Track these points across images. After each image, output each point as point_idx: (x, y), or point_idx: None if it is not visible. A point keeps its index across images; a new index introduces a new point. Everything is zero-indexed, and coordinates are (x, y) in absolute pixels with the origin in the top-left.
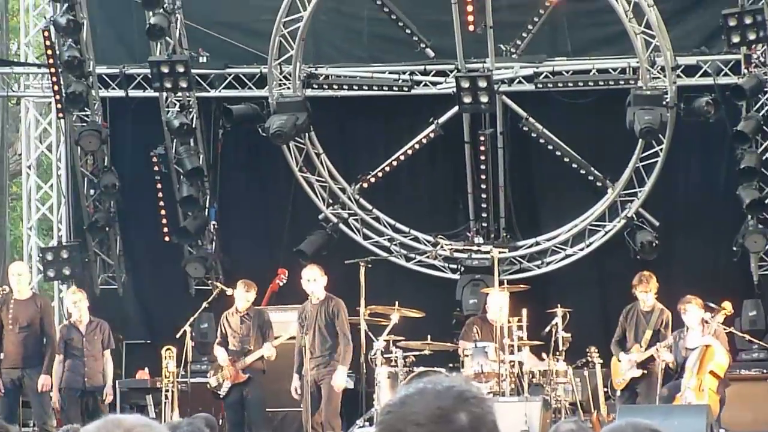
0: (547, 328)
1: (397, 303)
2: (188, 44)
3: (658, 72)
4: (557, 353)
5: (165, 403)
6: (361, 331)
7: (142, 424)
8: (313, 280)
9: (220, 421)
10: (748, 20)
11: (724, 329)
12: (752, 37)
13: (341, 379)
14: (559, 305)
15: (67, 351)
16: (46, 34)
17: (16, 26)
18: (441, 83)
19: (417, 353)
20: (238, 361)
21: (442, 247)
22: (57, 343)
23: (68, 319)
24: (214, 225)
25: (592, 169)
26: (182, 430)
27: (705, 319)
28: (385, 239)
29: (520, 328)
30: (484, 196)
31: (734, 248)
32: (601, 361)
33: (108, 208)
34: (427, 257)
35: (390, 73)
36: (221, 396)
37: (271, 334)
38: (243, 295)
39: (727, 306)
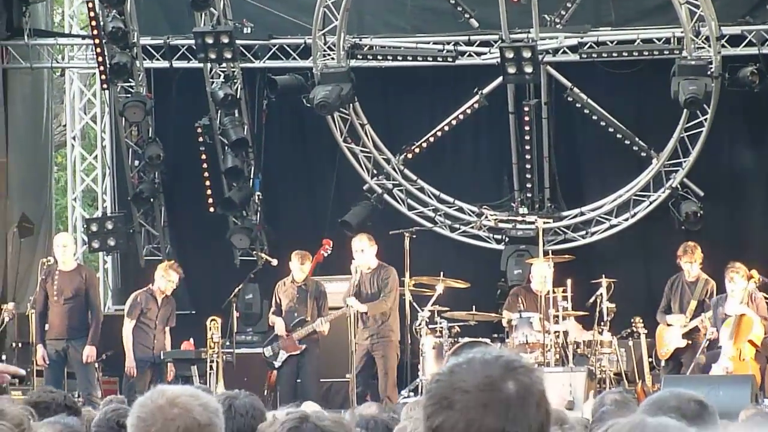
0: (592, 299)
1: (441, 273)
2: (232, 15)
3: (702, 42)
4: (602, 324)
5: (210, 373)
6: (406, 301)
7: (188, 394)
8: (361, 250)
9: (265, 392)
10: None
11: (766, 298)
12: None
13: (355, 304)
14: (603, 276)
15: (140, 320)
16: (90, 5)
17: None
18: (485, 54)
19: (462, 324)
20: (295, 332)
21: (486, 217)
22: (128, 307)
23: (150, 287)
24: (258, 196)
25: (637, 139)
26: (240, 400)
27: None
28: (429, 210)
29: (564, 298)
30: (528, 166)
31: None
32: (646, 332)
33: (152, 179)
34: (472, 228)
35: (434, 43)
36: (276, 366)
37: (325, 305)
38: (298, 267)
39: (755, 274)
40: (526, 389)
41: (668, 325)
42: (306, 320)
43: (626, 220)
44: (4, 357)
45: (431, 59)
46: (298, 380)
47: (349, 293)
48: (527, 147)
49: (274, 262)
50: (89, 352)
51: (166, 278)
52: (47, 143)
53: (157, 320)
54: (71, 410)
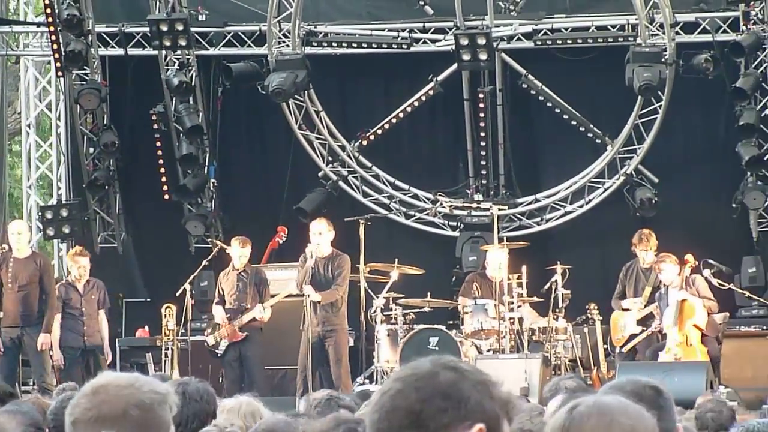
0: (547, 285)
1: (396, 260)
2: (187, 2)
3: (656, 29)
4: (557, 310)
5: (165, 361)
6: (360, 288)
7: (133, 377)
8: (319, 233)
9: (220, 379)
10: None
11: (722, 285)
12: None
13: (311, 294)
14: (558, 262)
15: (65, 311)
16: None
17: None
18: (440, 41)
19: (417, 310)
20: (235, 320)
21: (441, 204)
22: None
23: (66, 279)
24: (213, 183)
25: (592, 126)
26: (192, 386)
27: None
28: (384, 197)
29: (519, 285)
30: (483, 153)
31: (733, 205)
32: (601, 318)
33: (107, 167)
34: (427, 214)
35: (389, 30)
36: (219, 354)
37: (267, 292)
38: (238, 251)
39: (690, 258)
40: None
41: (623, 309)
42: (247, 308)
43: (581, 206)
44: None
45: (386, 46)
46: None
47: (305, 281)
48: (482, 134)
49: (229, 248)
50: (43, 340)
51: (75, 265)
52: (2, 131)
53: (83, 307)
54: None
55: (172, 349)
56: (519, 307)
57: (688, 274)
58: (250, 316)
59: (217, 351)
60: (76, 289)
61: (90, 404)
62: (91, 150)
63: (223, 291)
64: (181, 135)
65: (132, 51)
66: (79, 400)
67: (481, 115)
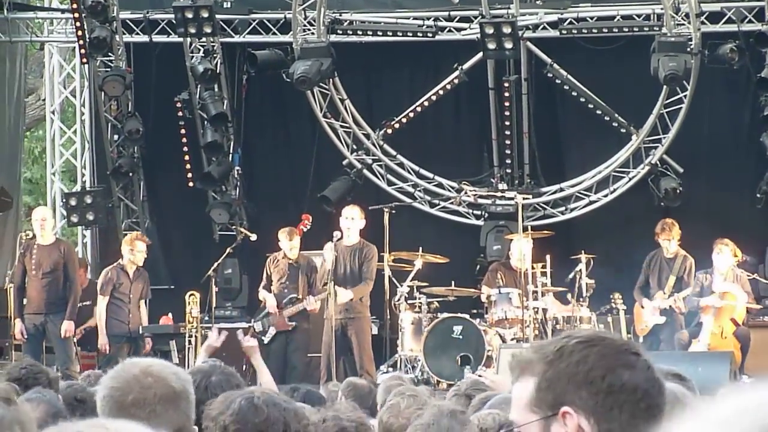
0: (571, 275)
1: (420, 249)
2: None
3: (682, 18)
4: (581, 299)
5: (188, 348)
6: (385, 276)
7: (159, 363)
8: (351, 218)
9: (243, 366)
10: None
11: (748, 275)
12: None
13: (346, 296)
14: (582, 251)
15: (114, 296)
16: None
17: None
18: (465, 29)
19: (441, 299)
20: (286, 309)
21: (466, 193)
22: (100, 284)
23: (119, 262)
24: (238, 170)
25: (616, 115)
26: (216, 377)
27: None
28: (409, 185)
29: (543, 274)
30: (508, 142)
31: (758, 195)
32: (625, 308)
33: (132, 154)
34: (451, 203)
35: (414, 18)
36: (265, 342)
37: (317, 281)
38: (287, 243)
39: (738, 253)
40: None
41: (642, 307)
42: (297, 298)
43: (605, 196)
44: None
45: (411, 35)
46: (287, 356)
47: (329, 276)
48: (507, 123)
49: (253, 236)
50: (67, 327)
51: (134, 250)
52: (18, 116)
53: (131, 294)
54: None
55: (195, 337)
56: (543, 296)
57: (734, 267)
58: (300, 307)
59: (263, 338)
60: (127, 275)
61: (145, 383)
62: (116, 137)
63: (270, 276)
64: (205, 122)
65: (157, 38)
66: (129, 381)
67: (506, 104)
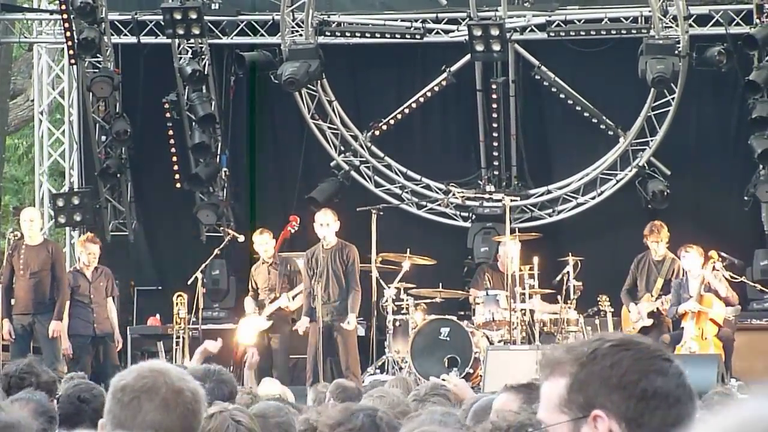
0: (559, 277)
1: (408, 250)
2: None
3: (670, 21)
4: (568, 302)
5: (176, 349)
6: (372, 278)
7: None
8: (326, 224)
9: (231, 368)
10: None
11: (734, 278)
12: None
13: (352, 323)
14: (570, 254)
15: (74, 298)
16: None
17: None
18: (453, 31)
19: (428, 301)
20: (263, 309)
21: (453, 194)
22: (66, 288)
23: (75, 266)
24: (225, 172)
25: (604, 117)
26: (212, 381)
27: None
28: (396, 187)
29: (531, 276)
30: (495, 144)
31: (745, 198)
32: (612, 310)
33: (119, 155)
34: (439, 205)
35: (402, 21)
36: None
37: (298, 280)
38: (258, 240)
39: (713, 254)
40: None
41: (629, 309)
42: (276, 297)
43: (593, 198)
44: None
45: (399, 36)
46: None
47: (315, 279)
48: (495, 125)
49: (241, 238)
50: (55, 327)
51: (85, 252)
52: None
53: (92, 295)
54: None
55: (183, 338)
56: (530, 298)
57: (711, 269)
58: (275, 306)
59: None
60: (84, 276)
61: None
62: (103, 138)
63: (256, 284)
64: (193, 124)
65: (145, 39)
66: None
67: (494, 106)
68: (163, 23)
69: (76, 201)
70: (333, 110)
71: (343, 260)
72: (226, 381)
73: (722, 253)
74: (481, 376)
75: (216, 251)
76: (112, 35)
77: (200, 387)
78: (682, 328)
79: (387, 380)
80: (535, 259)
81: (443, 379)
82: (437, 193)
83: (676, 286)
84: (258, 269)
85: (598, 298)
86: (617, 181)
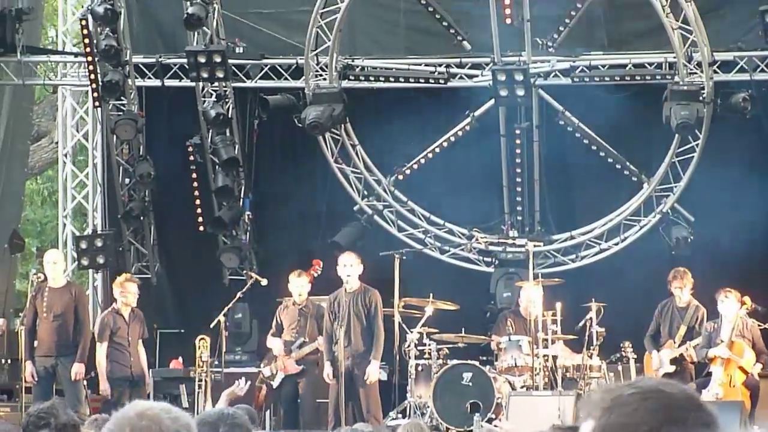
0: (581, 323)
1: (431, 295)
2: (225, 34)
3: (694, 67)
4: (591, 348)
5: (198, 392)
6: (395, 322)
7: (159, 407)
8: (350, 265)
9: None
10: None
11: (759, 325)
12: None
13: (375, 373)
14: (593, 299)
15: (113, 340)
16: (83, 22)
17: (52, 14)
18: (477, 76)
19: (450, 346)
20: (293, 353)
21: (476, 240)
22: (98, 330)
23: (113, 306)
24: (248, 215)
25: (628, 163)
26: (225, 426)
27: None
28: (419, 231)
29: (554, 322)
30: (519, 189)
31: None
32: (635, 356)
33: (143, 198)
34: (462, 250)
35: (426, 65)
36: (274, 386)
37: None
38: (296, 282)
39: (747, 300)
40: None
41: (652, 356)
42: (305, 341)
43: (617, 244)
44: None
45: (423, 81)
46: (299, 401)
47: (338, 323)
48: (518, 170)
49: (264, 281)
50: (78, 370)
51: (124, 292)
52: (21, 159)
53: (129, 337)
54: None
55: (205, 381)
56: (553, 343)
57: (744, 315)
58: (309, 349)
59: (272, 383)
60: (123, 318)
61: (137, 426)
62: (127, 180)
63: (281, 323)
64: (217, 167)
65: (169, 82)
66: (122, 423)
67: (518, 151)
68: (187, 66)
69: (99, 243)
70: (356, 154)
71: (365, 304)
72: (240, 425)
73: (746, 299)
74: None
75: (239, 294)
76: (137, 78)
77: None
78: (708, 373)
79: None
80: (558, 305)
81: (495, 425)
82: (460, 238)
83: (709, 331)
84: (287, 310)
85: (621, 345)
86: (641, 227)
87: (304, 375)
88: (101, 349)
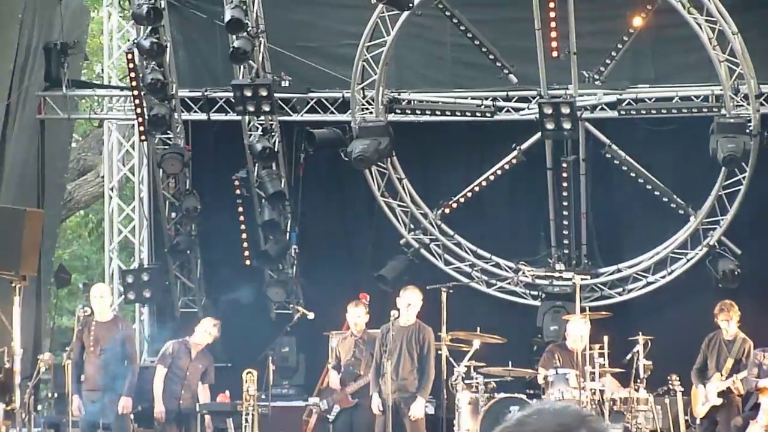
0: (629, 356)
1: (478, 329)
2: (271, 68)
3: (741, 100)
4: (638, 381)
5: (245, 426)
6: (442, 356)
7: None
8: (414, 304)
9: None
10: None
11: None
12: None
13: (420, 411)
14: (640, 333)
15: (171, 368)
16: (129, 56)
17: (98, 48)
18: (523, 109)
19: (497, 379)
20: (348, 386)
21: (523, 273)
22: (160, 354)
23: (186, 338)
24: (295, 249)
25: (675, 196)
26: None
27: None
28: (466, 265)
29: (601, 355)
30: (565, 222)
31: None
32: (683, 389)
33: (189, 231)
34: (509, 283)
35: (472, 98)
36: (330, 420)
37: None
38: (354, 311)
39: None
40: None
41: (699, 389)
42: (360, 374)
43: (663, 277)
44: (39, 407)
45: (470, 114)
46: None
47: (386, 355)
48: (565, 203)
49: (311, 315)
50: (124, 404)
51: (207, 331)
52: (58, 193)
53: (188, 371)
54: None
55: (252, 415)
56: (600, 377)
57: None
58: (362, 383)
59: (328, 416)
60: (189, 353)
61: None
62: (173, 215)
63: (339, 355)
64: (263, 200)
65: (215, 116)
66: None
67: (564, 184)
68: (233, 100)
69: (145, 277)
70: (403, 188)
71: (418, 341)
72: None
73: None
74: None
75: (286, 328)
76: (183, 112)
77: None
78: (757, 404)
79: None
80: (605, 338)
81: None
82: (507, 271)
83: (759, 359)
84: (344, 342)
85: (669, 377)
86: (687, 260)
87: (358, 408)
88: (159, 373)
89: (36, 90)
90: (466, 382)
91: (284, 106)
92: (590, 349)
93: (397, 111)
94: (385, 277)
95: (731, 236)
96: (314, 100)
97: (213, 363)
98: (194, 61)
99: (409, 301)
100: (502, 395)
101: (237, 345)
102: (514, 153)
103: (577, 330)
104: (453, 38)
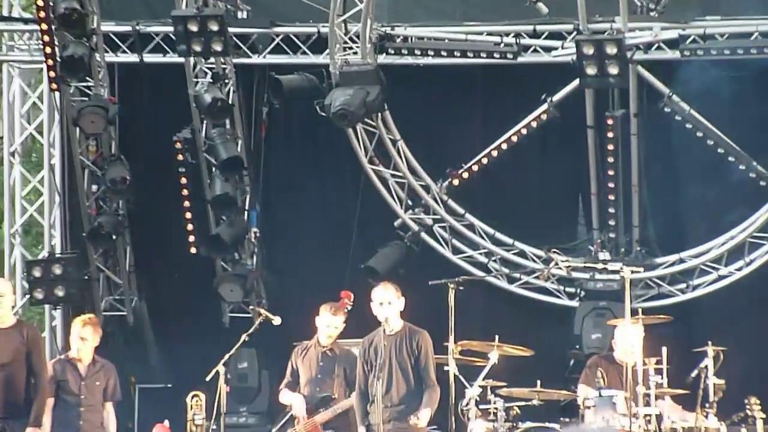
0: (694, 372)
1: (496, 337)
2: None
3: None
4: (707, 405)
5: None
6: (449, 374)
7: None
8: (387, 303)
9: None
10: None
11: None
12: None
13: (426, 418)
14: (709, 342)
15: (59, 396)
16: None
17: None
18: (556, 49)
19: (522, 404)
20: (316, 413)
21: (556, 264)
22: (48, 384)
23: (66, 354)
24: (255, 233)
25: (754, 163)
26: None
27: None
28: (481, 253)
29: (658, 371)
30: (611, 198)
31: None
32: (764, 416)
33: (115, 210)
34: (537, 278)
35: (489, 35)
36: None
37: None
38: (327, 320)
39: None
40: None
41: None
42: (333, 397)
43: (739, 269)
44: None
45: (485, 56)
46: None
47: (368, 381)
48: (611, 173)
49: (277, 320)
50: None
51: (78, 336)
52: None
53: (82, 395)
54: None
55: None
56: (657, 400)
57: None
58: (341, 408)
59: None
60: (76, 370)
61: None
62: (95, 188)
63: (297, 370)
64: (213, 169)
65: (149, 58)
66: None
67: (610, 147)
68: (174, 37)
69: (57, 271)
70: (398, 152)
71: (411, 351)
72: None
73: None
74: None
75: (244, 338)
76: (107, 52)
77: None
78: None
79: None
80: (664, 350)
81: None
82: (535, 261)
83: None
84: (306, 353)
85: (746, 400)
86: None
87: None
88: (47, 407)
89: None
90: (481, 407)
91: (241, 44)
92: (644, 363)
93: (391, 51)
94: (374, 270)
95: None
96: (281, 37)
97: (115, 374)
98: None
99: (380, 299)
100: (528, 425)
101: (179, 360)
102: (544, 106)
103: (627, 339)
104: None
